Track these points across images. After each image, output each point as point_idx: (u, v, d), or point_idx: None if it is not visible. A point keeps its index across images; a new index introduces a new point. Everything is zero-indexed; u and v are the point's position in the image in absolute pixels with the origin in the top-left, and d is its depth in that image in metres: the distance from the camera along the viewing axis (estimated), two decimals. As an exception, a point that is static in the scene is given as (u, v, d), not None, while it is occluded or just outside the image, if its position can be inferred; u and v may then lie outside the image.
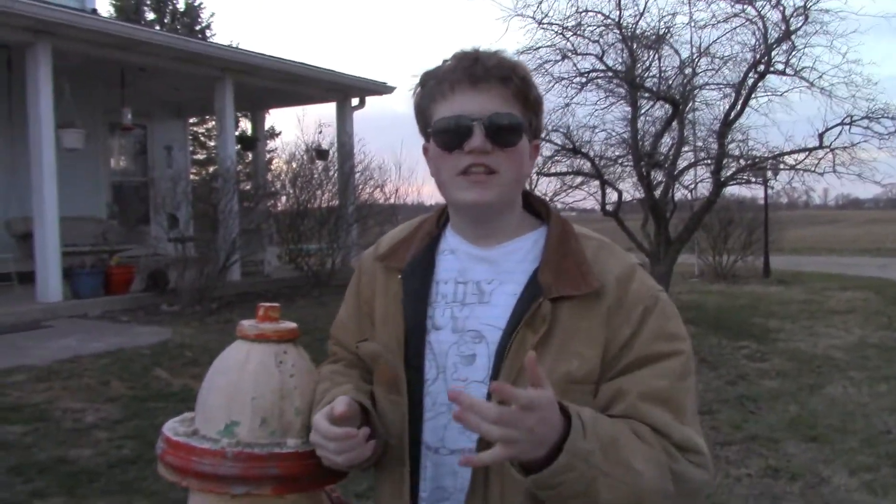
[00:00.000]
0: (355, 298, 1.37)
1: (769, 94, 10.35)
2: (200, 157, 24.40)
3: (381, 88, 13.33)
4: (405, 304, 1.23)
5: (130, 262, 9.99)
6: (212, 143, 22.43)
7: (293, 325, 1.32)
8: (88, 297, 9.00)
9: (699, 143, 10.86)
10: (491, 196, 1.18)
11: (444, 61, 1.23)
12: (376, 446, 1.18)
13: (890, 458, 4.56)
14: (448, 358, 1.21)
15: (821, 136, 9.87)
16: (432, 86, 1.22)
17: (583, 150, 10.89)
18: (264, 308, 1.32)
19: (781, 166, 10.76)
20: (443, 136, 1.19)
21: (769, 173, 11.95)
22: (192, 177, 14.93)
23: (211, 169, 17.57)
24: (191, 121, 16.65)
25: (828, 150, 9.93)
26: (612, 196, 11.57)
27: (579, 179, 11.62)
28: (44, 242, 8.70)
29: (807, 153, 10.11)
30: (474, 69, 1.18)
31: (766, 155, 10.46)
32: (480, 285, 1.23)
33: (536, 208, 1.30)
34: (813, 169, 10.14)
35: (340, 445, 1.12)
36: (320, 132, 12.78)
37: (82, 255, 9.67)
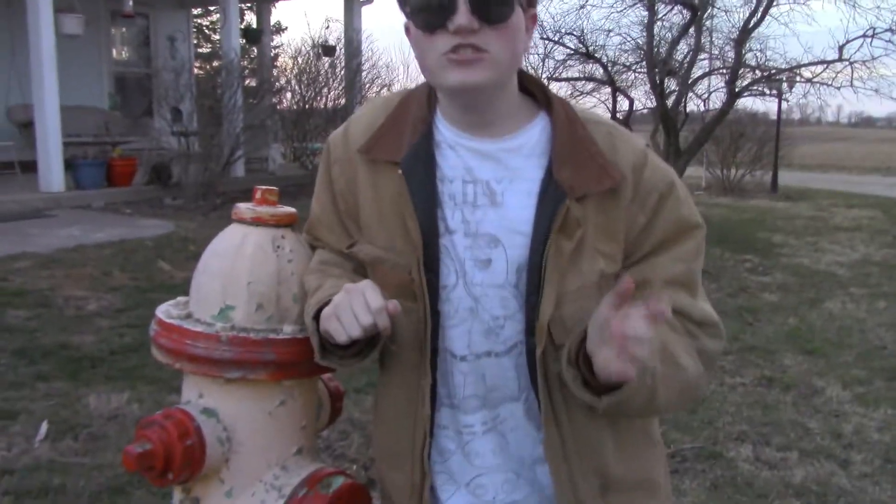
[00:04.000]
0: (327, 192, 1.23)
1: (791, 1, 10.00)
2: (205, 50, 23.88)
3: (391, -17, 12.88)
4: (415, 202, 1.11)
5: (133, 155, 9.90)
6: (216, 37, 21.90)
7: (291, 209, 1.28)
8: (91, 188, 8.97)
9: (715, 52, 10.58)
10: (481, 77, 1.03)
11: None
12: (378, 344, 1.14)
13: (883, 372, 4.61)
14: (465, 263, 1.12)
15: (841, 48, 9.57)
16: None
17: (596, 55, 10.62)
18: (261, 191, 1.27)
19: (798, 79, 10.51)
20: (422, 15, 1.04)
21: (785, 86, 11.69)
22: (196, 70, 14.62)
23: (215, 63, 17.22)
24: (194, 12, 16.19)
25: (847, 63, 9.66)
26: (624, 104, 11.36)
27: (591, 86, 11.39)
28: (45, 131, 8.59)
29: (825, 66, 9.84)
30: None
31: (783, 66, 10.20)
32: (490, 185, 1.11)
33: (532, 91, 1.16)
34: (830, 83, 9.90)
35: (377, 316, 1.02)
36: (327, 27, 12.48)
37: (84, 146, 9.58)
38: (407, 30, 1.11)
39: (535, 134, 1.13)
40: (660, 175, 1.14)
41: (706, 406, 3.93)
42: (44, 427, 3.28)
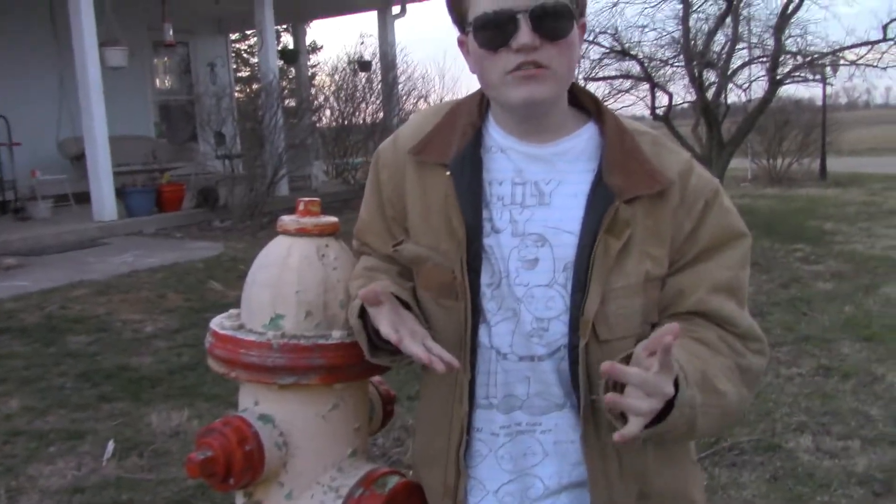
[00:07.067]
0: (376, 197, 1.27)
1: (830, -17, 9.82)
2: (244, 74, 24.32)
3: (422, -5, 13.00)
4: (461, 202, 1.15)
5: (180, 180, 10.15)
6: (254, 60, 22.29)
7: (334, 219, 1.32)
8: (142, 214, 9.22)
9: (754, 40, 10.42)
10: (544, 91, 1.08)
11: None
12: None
13: (947, 357, 4.49)
14: (510, 262, 1.14)
15: (885, 27, 9.37)
16: None
17: (632, 52, 10.55)
18: (304, 203, 1.31)
19: (841, 62, 10.30)
20: (485, 34, 1.08)
21: (828, 70, 11.45)
22: (236, 94, 14.92)
23: (255, 86, 17.57)
24: (232, 37, 16.54)
25: (892, 42, 9.45)
26: (663, 100, 11.25)
27: (628, 83, 11.30)
28: (96, 162, 8.86)
29: (869, 47, 9.64)
30: None
31: (825, 50, 10.00)
32: (539, 186, 1.15)
33: (583, 102, 1.20)
34: (875, 64, 9.69)
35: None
36: (362, 43, 12.66)
37: (134, 175, 9.86)
38: (461, 44, 1.15)
39: (582, 140, 1.17)
40: (705, 182, 1.16)
41: (763, 398, 3.87)
42: (110, 446, 3.39)
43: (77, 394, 4.02)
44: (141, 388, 4.09)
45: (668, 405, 0.98)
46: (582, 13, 1.13)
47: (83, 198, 9.38)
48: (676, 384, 0.98)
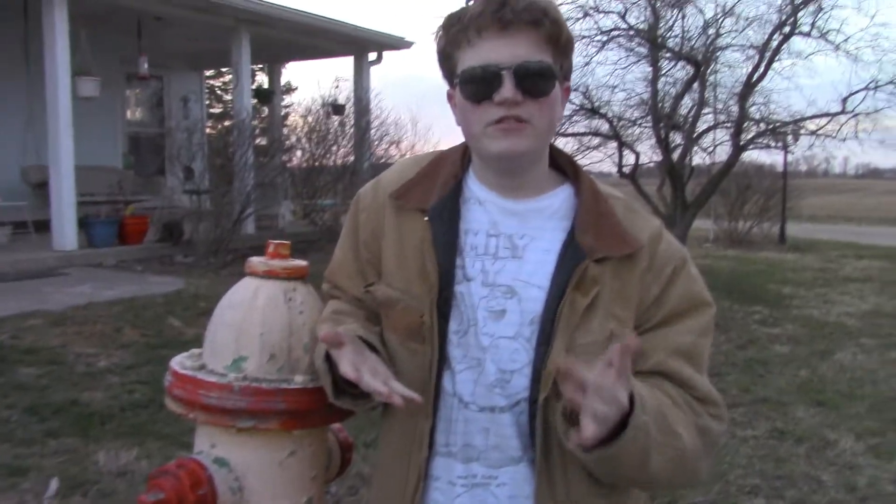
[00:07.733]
0: (352, 238, 1.29)
1: (793, 56, 10.19)
2: (216, 110, 24.33)
3: (400, 43, 13.19)
4: (437, 248, 1.18)
5: (145, 213, 10.03)
6: (228, 97, 22.34)
7: (303, 262, 1.32)
8: (103, 246, 9.07)
9: (720, 106, 10.72)
10: (523, 146, 1.13)
11: (469, 3, 1.16)
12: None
13: (897, 424, 4.56)
14: (478, 311, 1.17)
15: (844, 100, 9.71)
16: (457, 31, 1.14)
17: (601, 110, 10.77)
18: (274, 245, 1.31)
19: (802, 131, 10.63)
20: (470, 87, 1.13)
21: (790, 138, 11.80)
22: (208, 130, 14.91)
23: (227, 123, 17.57)
24: (207, 73, 16.57)
25: (851, 115, 9.79)
26: (630, 158, 11.47)
27: (596, 140, 11.50)
28: (59, 191, 8.74)
29: (829, 118, 9.96)
30: (502, 12, 1.10)
31: (787, 119, 10.32)
32: (513, 239, 1.18)
33: (561, 164, 1.24)
34: (834, 135, 10.01)
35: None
36: (337, 87, 12.72)
37: (97, 205, 9.72)
38: (449, 97, 1.21)
39: (558, 200, 1.21)
40: (674, 250, 1.20)
41: (718, 459, 3.89)
42: (54, 484, 3.28)
43: (23, 428, 3.90)
44: (90, 425, 3.98)
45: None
46: (567, 77, 1.18)
47: (43, 226, 9.21)
48: (633, 405, 1.00)
